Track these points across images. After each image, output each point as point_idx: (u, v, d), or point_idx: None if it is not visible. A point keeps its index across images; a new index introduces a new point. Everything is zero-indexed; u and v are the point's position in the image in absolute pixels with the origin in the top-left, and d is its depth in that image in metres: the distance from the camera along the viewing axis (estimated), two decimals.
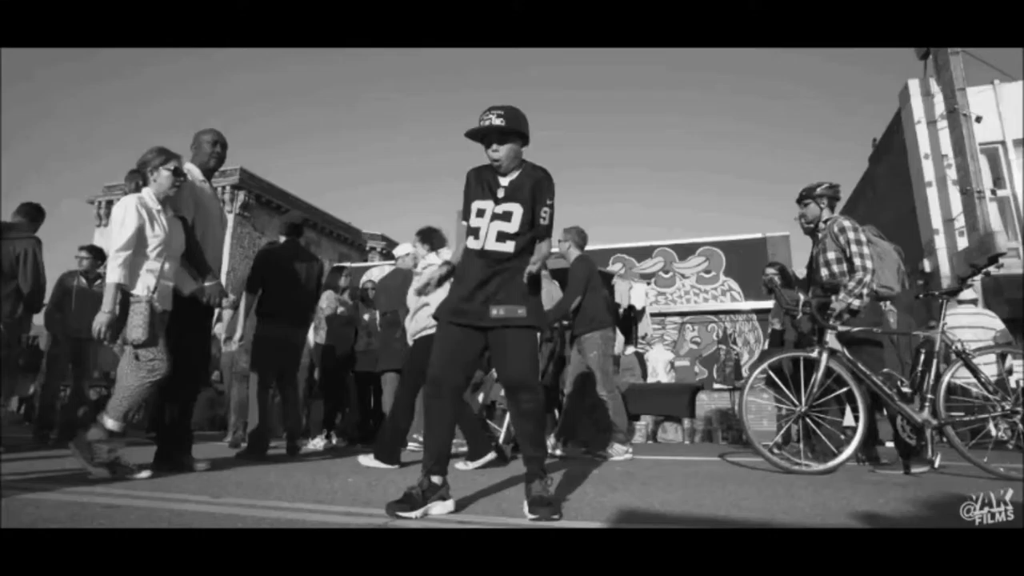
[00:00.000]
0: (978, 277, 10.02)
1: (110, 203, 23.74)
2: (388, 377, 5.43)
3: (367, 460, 3.85)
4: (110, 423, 2.95)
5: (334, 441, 6.07)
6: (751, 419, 5.24)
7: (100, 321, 2.89)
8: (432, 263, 4.07)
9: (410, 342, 4.19)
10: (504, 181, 2.34)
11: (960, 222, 10.47)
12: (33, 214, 5.13)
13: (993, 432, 3.54)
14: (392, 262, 7.94)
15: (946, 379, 3.49)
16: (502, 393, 5.35)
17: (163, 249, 3.14)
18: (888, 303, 6.36)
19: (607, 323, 4.84)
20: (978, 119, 10.27)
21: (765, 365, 3.87)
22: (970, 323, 5.82)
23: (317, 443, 5.84)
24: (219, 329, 6.05)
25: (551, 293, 5.14)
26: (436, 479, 2.16)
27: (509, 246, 2.28)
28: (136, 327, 2.96)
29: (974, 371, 3.54)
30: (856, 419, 3.52)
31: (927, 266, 11.00)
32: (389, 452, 3.82)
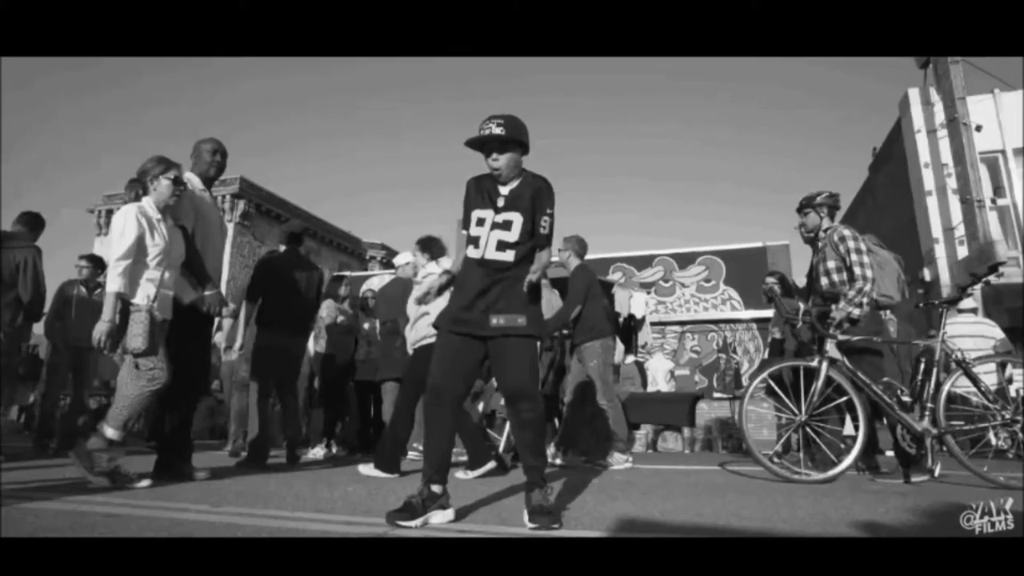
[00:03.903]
0: (978, 286, 10.03)
1: (110, 212, 23.78)
2: (388, 386, 5.42)
3: (367, 469, 3.84)
4: (110, 432, 2.95)
5: (334, 450, 6.05)
6: (751, 428, 5.23)
7: (100, 330, 2.89)
8: (432, 272, 4.07)
9: (410, 351, 4.20)
10: (504, 190, 2.35)
11: (960, 231, 10.49)
12: (33, 223, 5.14)
13: (993, 441, 3.54)
14: (392, 271, 7.96)
15: (946, 388, 3.48)
16: (502, 402, 5.35)
17: (163, 258, 3.15)
18: (888, 312, 6.36)
19: (607, 332, 4.84)
20: (978, 128, 10.31)
21: (765, 374, 3.87)
22: (970, 332, 5.82)
23: (317, 452, 5.83)
24: (219, 338, 6.06)
25: (551, 302, 5.15)
26: (436, 488, 2.16)
27: (509, 255, 2.29)
28: (136, 336, 2.96)
29: (974, 380, 3.53)
30: (856, 428, 3.51)
31: (927, 275, 11.01)
32: (389, 461, 3.81)
